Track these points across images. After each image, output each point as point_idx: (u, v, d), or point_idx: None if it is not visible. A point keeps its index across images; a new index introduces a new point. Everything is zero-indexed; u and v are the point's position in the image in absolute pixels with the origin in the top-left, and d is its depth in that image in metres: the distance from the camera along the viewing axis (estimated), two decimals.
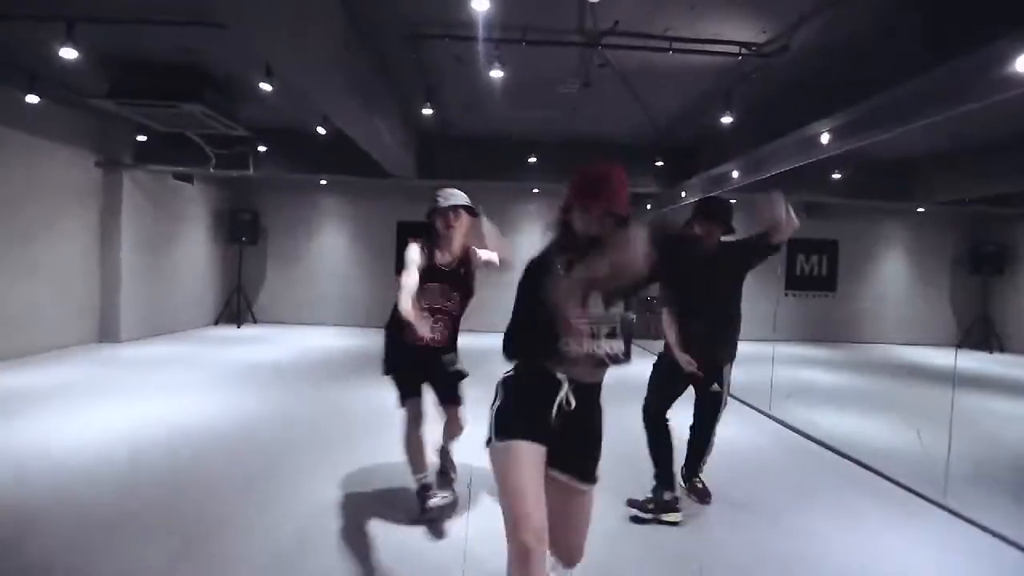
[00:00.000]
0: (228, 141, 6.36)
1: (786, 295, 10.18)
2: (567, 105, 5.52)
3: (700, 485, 2.71)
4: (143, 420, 3.67)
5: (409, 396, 2.45)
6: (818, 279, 10.29)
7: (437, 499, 2.41)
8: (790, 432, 4.09)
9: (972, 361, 8.47)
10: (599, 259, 1.37)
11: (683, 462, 2.72)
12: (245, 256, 9.23)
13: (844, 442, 3.70)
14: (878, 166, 7.37)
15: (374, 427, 3.57)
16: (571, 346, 1.38)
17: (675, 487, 2.56)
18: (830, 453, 3.62)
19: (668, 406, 2.64)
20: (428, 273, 2.34)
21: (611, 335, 1.40)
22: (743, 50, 3.86)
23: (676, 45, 3.80)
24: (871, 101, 3.49)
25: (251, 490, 2.67)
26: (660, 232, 2.35)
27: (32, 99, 4.83)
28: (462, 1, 3.21)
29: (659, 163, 6.93)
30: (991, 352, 9.65)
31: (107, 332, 6.82)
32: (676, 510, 2.46)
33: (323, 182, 9.00)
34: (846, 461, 3.46)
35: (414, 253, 2.33)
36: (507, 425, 1.42)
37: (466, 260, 2.43)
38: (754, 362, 6.40)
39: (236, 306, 9.13)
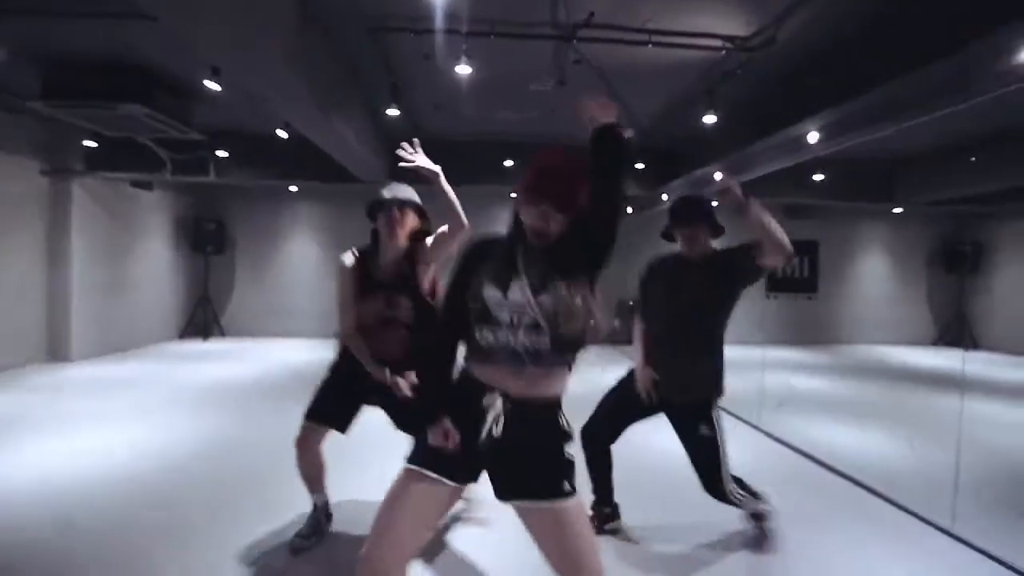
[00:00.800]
0: (185, 146, 5.97)
1: (767, 297, 10.08)
2: (544, 105, 5.27)
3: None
4: (86, 452, 3.29)
5: (322, 418, 2.15)
6: (800, 280, 10.19)
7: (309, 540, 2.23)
8: (781, 447, 3.88)
9: (946, 359, 8.49)
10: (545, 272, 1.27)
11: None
12: (211, 266, 8.78)
13: (840, 459, 3.49)
14: (857, 166, 7.31)
15: (349, 452, 3.25)
16: (485, 336, 1.25)
17: (612, 501, 2.43)
18: (826, 472, 3.41)
19: (612, 433, 2.32)
20: (367, 282, 2.05)
21: (534, 327, 1.23)
22: (727, 44, 3.64)
23: (656, 39, 3.56)
24: (863, 98, 3.30)
25: (207, 531, 2.34)
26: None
27: None
28: None
29: (640, 165, 6.71)
30: (966, 350, 9.71)
31: (55, 351, 6.35)
32: (616, 518, 2.45)
33: (293, 188, 8.62)
34: (844, 481, 3.25)
35: (347, 261, 2.06)
36: (417, 449, 1.31)
37: (411, 258, 2.11)
38: (740, 368, 6.23)
39: (202, 319, 8.68)
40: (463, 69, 3.65)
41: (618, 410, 2.33)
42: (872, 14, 3.15)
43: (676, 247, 2.33)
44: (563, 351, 1.27)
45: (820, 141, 3.84)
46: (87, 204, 6.62)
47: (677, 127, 5.70)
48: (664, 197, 6.84)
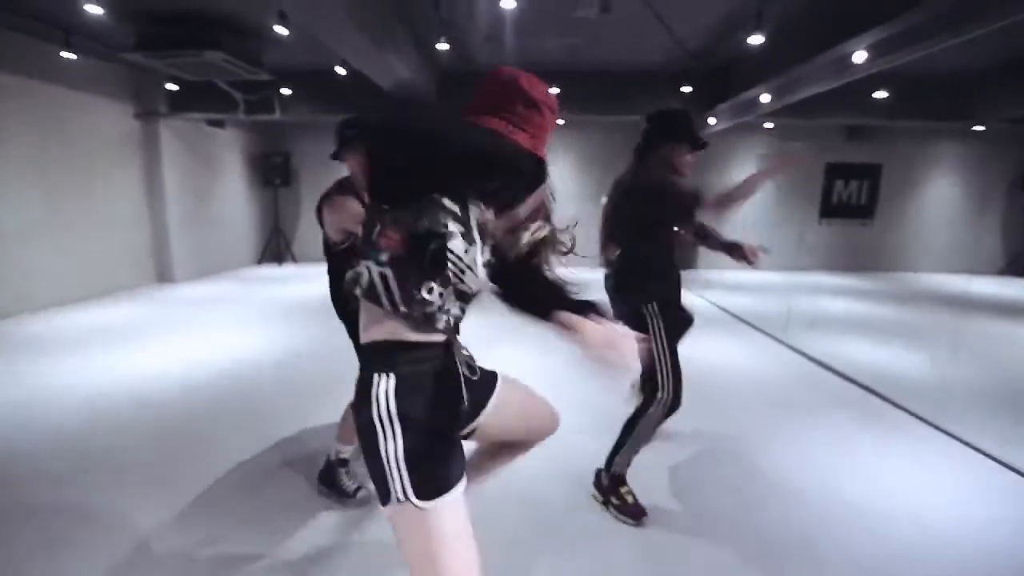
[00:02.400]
0: (254, 86, 6.47)
1: (820, 223, 9.87)
2: (589, 32, 5.32)
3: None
4: (201, 349, 4.13)
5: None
6: (855, 207, 9.86)
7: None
8: (802, 358, 4.21)
9: (1004, 288, 8.20)
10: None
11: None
12: (280, 197, 9.58)
13: (856, 369, 3.81)
14: (929, 83, 6.84)
15: None
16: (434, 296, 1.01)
17: None
18: (839, 379, 3.74)
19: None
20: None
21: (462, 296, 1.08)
22: None
23: None
24: (914, 13, 3.26)
25: (297, 406, 3.06)
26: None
27: (69, 55, 5.02)
28: None
29: (687, 89, 6.64)
30: None
31: (163, 274, 7.39)
32: None
33: None
34: (853, 386, 3.59)
35: None
36: (432, 476, 1.01)
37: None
38: (776, 291, 6.38)
39: (276, 246, 9.61)
40: (507, 3, 3.84)
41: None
42: None
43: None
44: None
45: (868, 60, 3.80)
46: (173, 143, 7.37)
47: (724, 50, 5.60)
48: (711, 121, 6.78)
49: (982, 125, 7.89)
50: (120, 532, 1.93)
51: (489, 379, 1.23)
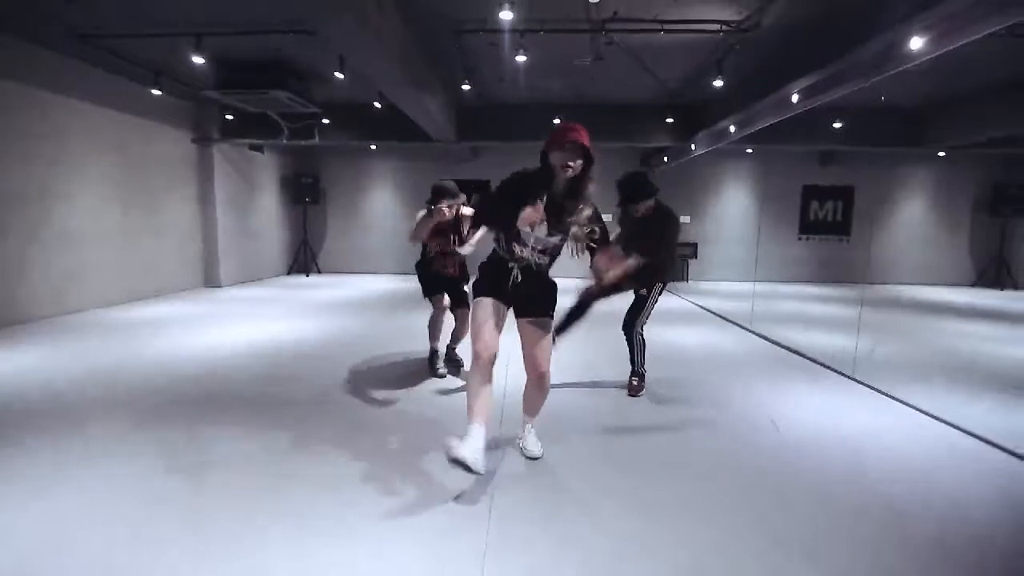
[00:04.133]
0: (299, 116, 7.56)
1: (799, 239, 10.85)
2: (585, 75, 6.40)
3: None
4: (252, 335, 5.04)
5: (436, 292, 3.66)
6: (832, 224, 10.84)
7: (442, 369, 3.74)
8: (765, 341, 5.12)
9: (978, 298, 8.93)
10: (569, 203, 2.14)
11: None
12: (309, 215, 10.64)
13: (806, 348, 4.72)
14: (878, 115, 7.85)
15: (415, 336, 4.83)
16: (516, 249, 2.18)
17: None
18: (790, 354, 4.66)
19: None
20: (436, 227, 3.44)
21: (543, 252, 2.21)
22: (723, 27, 4.68)
23: (666, 27, 4.65)
24: (829, 67, 4.29)
25: (336, 375, 3.98)
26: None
27: (156, 93, 6.12)
28: (494, 7, 4.19)
29: (669, 120, 7.72)
30: (1001, 289, 10.11)
31: (210, 278, 8.38)
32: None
33: (373, 147, 10.18)
34: (799, 357, 4.51)
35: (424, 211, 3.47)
36: (479, 289, 2.25)
37: (457, 220, 3.52)
38: (758, 297, 7.29)
39: (304, 258, 10.62)
40: (521, 58, 4.91)
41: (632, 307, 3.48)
42: (829, 4, 4.11)
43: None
44: (553, 261, 2.29)
45: (800, 100, 4.84)
46: (223, 165, 8.44)
47: (697, 90, 6.69)
48: (692, 147, 7.83)
49: (936, 150, 8.89)
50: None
51: (541, 308, 2.29)
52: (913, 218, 10.98)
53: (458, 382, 3.60)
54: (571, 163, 2.08)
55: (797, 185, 10.74)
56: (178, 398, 3.22)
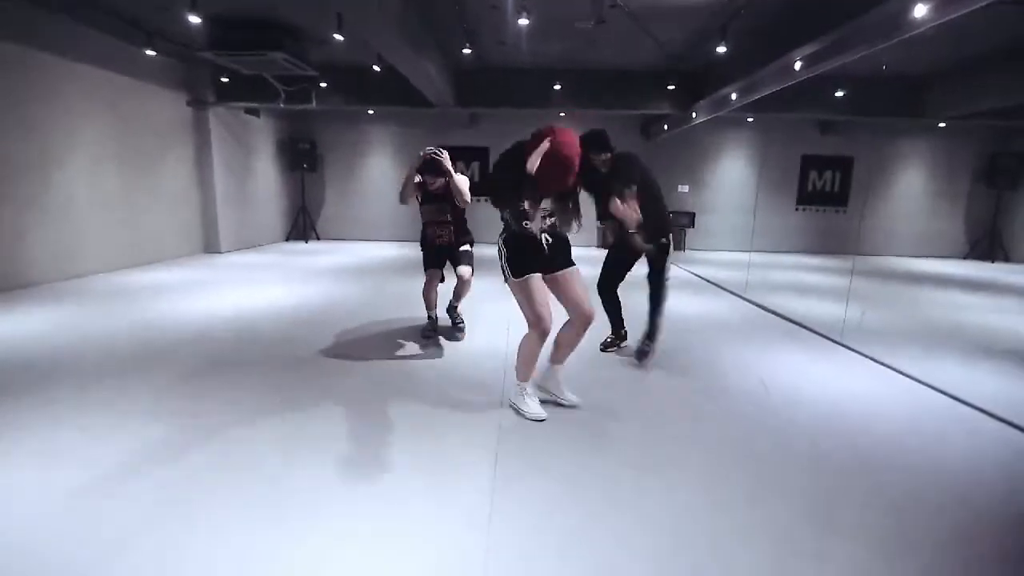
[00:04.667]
0: (296, 79, 7.42)
1: (797, 210, 10.89)
2: (587, 39, 6.30)
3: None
4: (252, 300, 5.12)
5: (432, 267, 3.75)
6: (830, 195, 10.87)
7: (429, 333, 3.87)
8: (759, 309, 5.24)
9: (968, 269, 9.11)
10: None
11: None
12: (306, 181, 10.56)
13: (799, 315, 4.84)
14: (890, 83, 7.76)
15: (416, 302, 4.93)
16: (530, 219, 2.45)
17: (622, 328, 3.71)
18: (782, 320, 4.78)
19: (615, 281, 3.57)
20: (426, 195, 3.55)
21: (551, 215, 2.53)
22: None
23: None
24: (834, 32, 4.25)
25: (333, 337, 4.07)
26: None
27: (150, 53, 5.99)
28: None
29: (671, 87, 7.63)
30: (992, 262, 10.24)
31: (210, 244, 8.39)
32: (625, 339, 3.70)
33: (371, 112, 10.03)
34: (783, 321, 4.63)
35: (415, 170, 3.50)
36: (521, 268, 2.48)
37: (447, 189, 3.52)
38: (754, 267, 7.38)
39: (302, 225, 10.60)
40: (523, 21, 4.83)
41: (615, 265, 3.59)
42: None
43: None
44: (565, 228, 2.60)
45: (803, 67, 4.80)
46: (219, 129, 8.33)
47: (699, 56, 6.59)
48: (693, 115, 7.77)
49: (937, 121, 8.84)
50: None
51: (566, 259, 2.58)
52: (911, 189, 11.00)
53: (453, 346, 3.70)
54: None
55: (796, 154, 10.71)
56: (177, 360, 3.30)
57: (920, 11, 3.32)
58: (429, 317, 3.95)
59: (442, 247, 3.70)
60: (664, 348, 3.58)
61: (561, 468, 2.09)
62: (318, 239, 10.83)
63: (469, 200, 3.49)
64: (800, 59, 4.75)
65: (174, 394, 2.75)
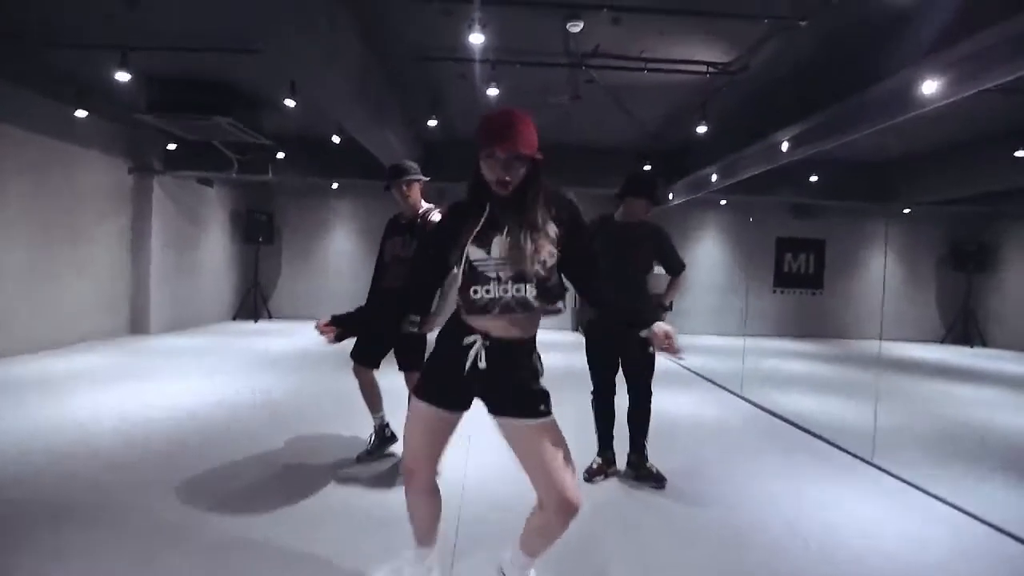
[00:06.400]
0: (251, 148, 6.92)
1: (774, 292, 10.65)
2: (562, 115, 6.04)
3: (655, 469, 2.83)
4: (162, 398, 4.17)
5: (363, 358, 2.87)
6: (805, 276, 10.72)
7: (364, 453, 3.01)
8: (757, 409, 4.59)
9: (950, 355, 8.87)
10: (513, 227, 1.39)
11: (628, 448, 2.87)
12: (261, 255, 9.82)
13: (800, 417, 4.20)
14: (860, 169, 7.83)
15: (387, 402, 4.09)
16: (479, 293, 1.37)
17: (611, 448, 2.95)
18: (786, 425, 4.11)
19: (610, 387, 2.88)
20: (391, 229, 2.88)
21: (518, 279, 1.37)
22: (710, 69, 4.37)
23: (651, 65, 4.31)
24: (821, 113, 3.99)
25: (257, 456, 3.20)
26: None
27: (81, 114, 5.40)
28: (463, 32, 3.74)
29: (647, 167, 7.43)
30: (971, 347, 10.08)
31: (138, 324, 7.41)
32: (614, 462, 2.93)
33: (335, 186, 9.58)
34: (796, 430, 3.96)
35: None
36: (422, 386, 1.50)
37: (423, 218, 2.82)
38: (736, 354, 6.86)
39: (253, 302, 9.72)
40: (492, 91, 4.47)
41: (603, 366, 2.90)
42: (823, 45, 3.84)
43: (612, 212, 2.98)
44: (548, 298, 1.40)
45: (791, 148, 4.52)
46: (163, 198, 7.65)
47: (678, 134, 6.42)
48: (671, 196, 7.53)
49: (904, 207, 8.96)
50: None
51: (528, 397, 1.44)
52: (881, 273, 10.99)
53: (393, 472, 2.87)
54: (507, 177, 1.37)
55: (770, 236, 10.65)
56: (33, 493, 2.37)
57: (929, 88, 3.00)
58: (375, 426, 3.06)
59: (389, 335, 2.84)
60: (664, 468, 2.85)
61: None
62: (270, 317, 9.92)
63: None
64: (788, 140, 4.47)
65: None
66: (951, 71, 2.92)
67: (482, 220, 1.42)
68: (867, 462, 3.28)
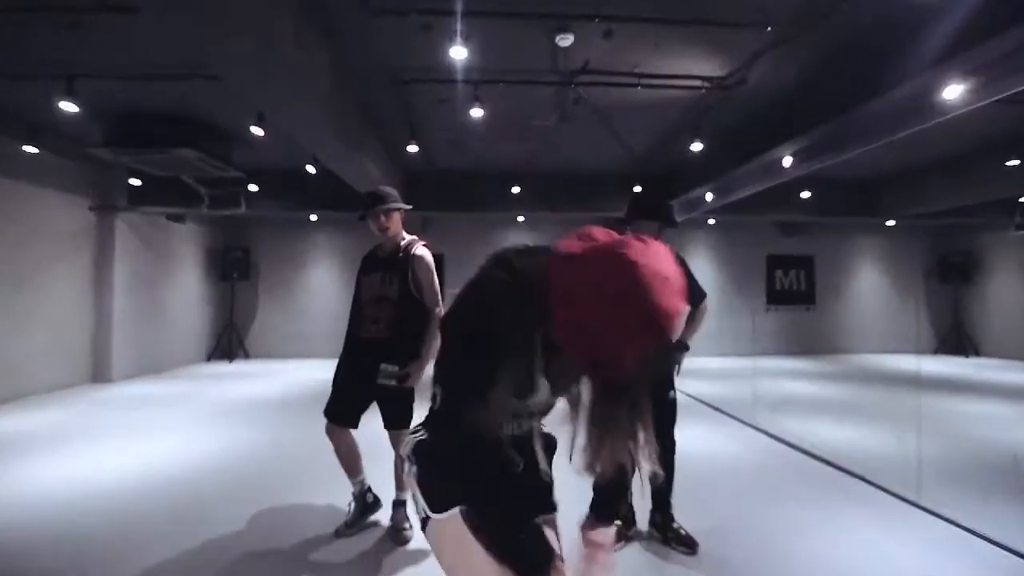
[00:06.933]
0: (221, 182, 6.55)
1: (767, 310, 10.48)
2: (548, 138, 5.80)
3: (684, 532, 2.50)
4: (124, 461, 3.71)
5: (336, 416, 2.51)
6: (797, 293, 10.61)
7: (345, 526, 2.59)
8: (772, 440, 4.25)
9: (948, 366, 8.77)
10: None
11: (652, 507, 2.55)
12: (237, 292, 9.33)
13: (824, 449, 3.86)
14: (846, 185, 7.77)
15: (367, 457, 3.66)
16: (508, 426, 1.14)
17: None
18: (811, 460, 3.77)
19: None
20: (369, 264, 2.56)
21: (544, 413, 1.20)
22: (705, 84, 4.16)
23: (644, 81, 4.09)
24: (825, 127, 3.78)
25: (235, 526, 2.76)
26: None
27: (31, 149, 5.00)
28: (443, 48, 3.47)
29: (637, 189, 7.22)
30: (967, 356, 9.98)
31: (100, 373, 6.85)
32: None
33: (314, 218, 9.20)
34: (825, 466, 3.62)
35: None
36: (447, 493, 1.08)
37: (405, 252, 2.52)
38: (737, 376, 6.56)
39: (228, 342, 9.18)
40: (476, 112, 4.19)
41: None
42: (821, 58, 3.67)
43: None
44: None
45: (793, 164, 4.31)
46: (128, 236, 7.20)
47: (670, 154, 6.22)
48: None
49: (889, 220, 8.93)
50: None
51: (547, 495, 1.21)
52: (871, 286, 10.98)
53: (393, 556, 2.44)
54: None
55: (761, 255, 10.55)
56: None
57: (952, 93, 2.78)
58: (353, 494, 2.64)
59: (369, 348, 2.44)
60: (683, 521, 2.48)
61: None
62: (247, 357, 9.38)
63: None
64: (791, 155, 4.26)
65: None
66: (972, 77, 2.71)
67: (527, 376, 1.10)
68: (914, 504, 2.94)
